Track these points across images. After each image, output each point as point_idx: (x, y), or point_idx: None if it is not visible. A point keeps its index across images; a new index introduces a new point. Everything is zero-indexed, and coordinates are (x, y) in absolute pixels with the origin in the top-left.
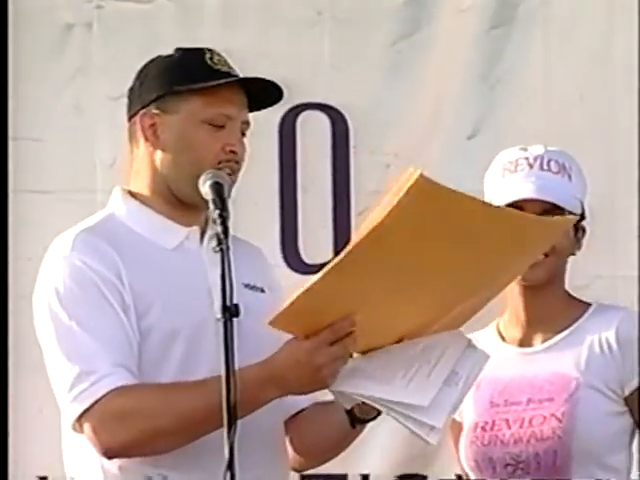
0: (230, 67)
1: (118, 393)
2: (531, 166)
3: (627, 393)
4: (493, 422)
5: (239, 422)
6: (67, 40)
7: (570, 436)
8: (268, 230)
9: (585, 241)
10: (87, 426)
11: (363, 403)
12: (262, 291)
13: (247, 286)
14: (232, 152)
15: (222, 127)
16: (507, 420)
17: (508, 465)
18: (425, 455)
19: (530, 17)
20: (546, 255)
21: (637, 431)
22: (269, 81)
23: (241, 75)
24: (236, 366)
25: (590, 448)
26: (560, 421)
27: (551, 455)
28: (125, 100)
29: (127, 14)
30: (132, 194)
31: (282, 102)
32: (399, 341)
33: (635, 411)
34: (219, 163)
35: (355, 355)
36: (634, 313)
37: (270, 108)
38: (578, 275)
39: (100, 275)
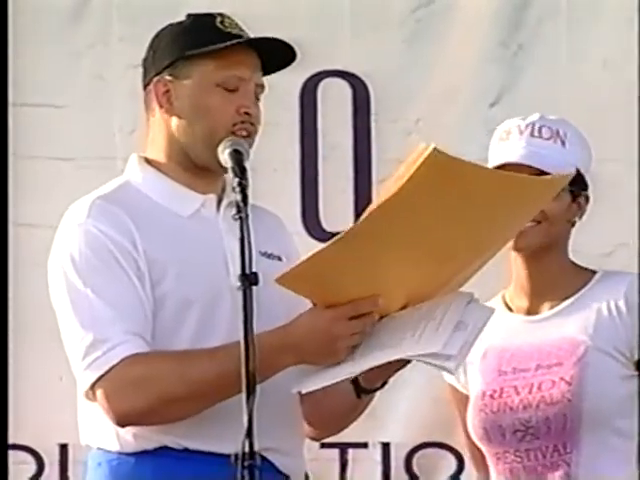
0: (242, 30)
1: (132, 361)
2: (522, 133)
3: (637, 357)
4: (501, 390)
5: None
6: (87, 7)
7: (580, 398)
8: (289, 198)
9: (610, 208)
10: (100, 393)
11: (368, 371)
12: (279, 259)
13: (264, 254)
14: (246, 114)
15: (235, 90)
16: (515, 387)
17: (517, 431)
18: (446, 424)
19: None
20: (538, 222)
21: None
22: (282, 42)
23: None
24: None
25: (600, 411)
26: (569, 384)
27: (561, 419)
28: None
29: None
30: (149, 161)
31: (303, 69)
32: (403, 308)
33: None
34: (234, 125)
35: None
36: None
37: (291, 75)
38: (602, 243)
39: (115, 242)
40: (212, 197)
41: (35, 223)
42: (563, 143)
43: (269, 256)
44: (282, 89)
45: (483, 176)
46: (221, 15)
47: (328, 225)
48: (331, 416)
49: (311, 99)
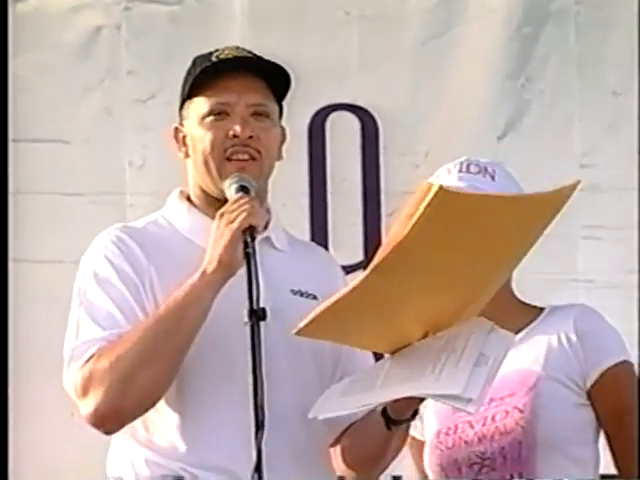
0: (239, 55)
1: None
2: (450, 172)
3: (589, 386)
4: (456, 426)
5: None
6: (96, 42)
7: (533, 425)
8: (298, 231)
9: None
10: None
11: (395, 402)
12: (314, 298)
13: (297, 292)
14: (235, 136)
15: (225, 116)
16: (470, 422)
17: (474, 464)
18: None
19: (563, 14)
20: None
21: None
22: (257, 58)
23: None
24: (264, 369)
25: (554, 438)
26: (522, 412)
27: (516, 447)
28: (153, 102)
29: (155, 16)
30: (189, 196)
31: (311, 103)
32: (424, 336)
33: (597, 405)
34: (225, 151)
35: (385, 356)
36: (590, 308)
37: (299, 109)
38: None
39: (117, 269)
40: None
41: (44, 259)
42: (492, 178)
43: (302, 294)
44: (290, 123)
45: (490, 203)
46: (225, 48)
47: (338, 258)
48: (365, 452)
49: (319, 133)
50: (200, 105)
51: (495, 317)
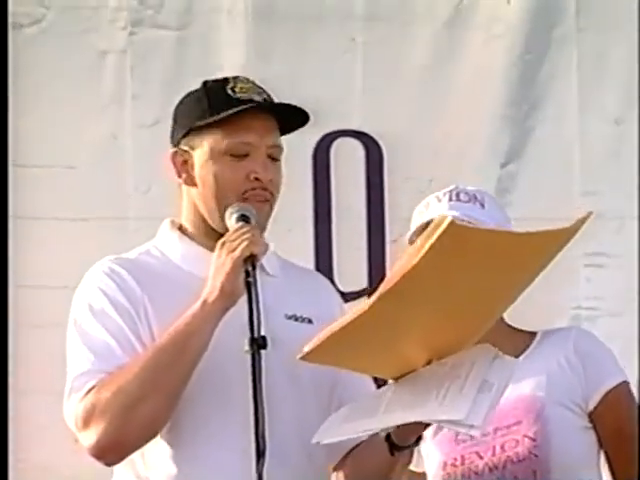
0: (256, 92)
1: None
2: (440, 200)
3: (591, 408)
4: (462, 457)
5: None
6: (101, 67)
7: (547, 453)
8: (302, 257)
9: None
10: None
11: (399, 428)
12: (309, 322)
13: (292, 317)
14: (256, 179)
15: (245, 156)
16: (477, 452)
17: None
18: None
19: (565, 42)
20: None
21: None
22: (290, 105)
23: (275, 100)
24: (264, 397)
25: (567, 464)
26: (534, 440)
27: (530, 476)
28: (158, 126)
29: (160, 41)
30: (180, 226)
31: (316, 129)
32: (428, 363)
33: (599, 426)
34: (244, 193)
35: (389, 382)
36: (586, 330)
37: (304, 135)
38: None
39: (112, 301)
40: None
41: (48, 285)
42: (482, 205)
43: (297, 319)
44: (295, 149)
45: (500, 239)
46: (235, 79)
47: (342, 284)
48: (368, 478)
49: (324, 159)
50: (217, 139)
51: (490, 344)
